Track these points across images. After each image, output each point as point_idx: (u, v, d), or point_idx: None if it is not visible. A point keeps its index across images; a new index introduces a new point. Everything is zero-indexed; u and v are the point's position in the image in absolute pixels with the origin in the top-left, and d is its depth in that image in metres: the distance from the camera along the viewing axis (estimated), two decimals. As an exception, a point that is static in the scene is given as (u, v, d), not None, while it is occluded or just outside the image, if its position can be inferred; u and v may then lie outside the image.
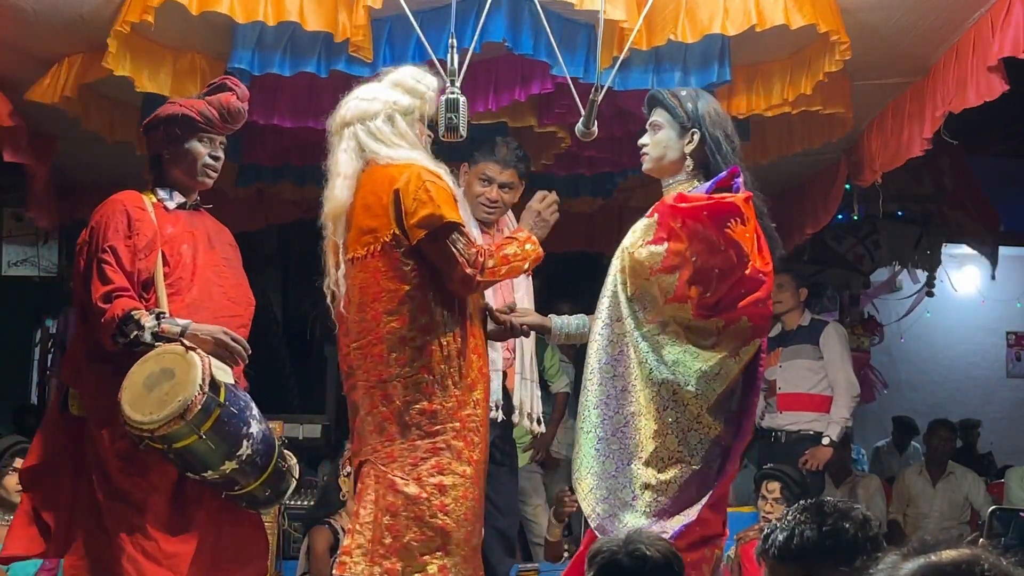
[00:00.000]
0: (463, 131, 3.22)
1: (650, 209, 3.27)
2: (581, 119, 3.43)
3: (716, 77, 4.10)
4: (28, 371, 7.53)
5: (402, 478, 3.18)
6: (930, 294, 7.87)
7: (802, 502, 2.40)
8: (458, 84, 3.25)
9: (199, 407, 2.97)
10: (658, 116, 3.29)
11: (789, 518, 2.33)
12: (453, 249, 3.14)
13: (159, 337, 3.08)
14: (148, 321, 3.09)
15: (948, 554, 1.36)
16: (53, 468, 3.31)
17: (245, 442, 3.11)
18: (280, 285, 8.19)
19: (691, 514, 3.08)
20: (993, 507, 5.42)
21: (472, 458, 3.22)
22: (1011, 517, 4.47)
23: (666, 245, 3.15)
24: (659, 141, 3.29)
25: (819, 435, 5.59)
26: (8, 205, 6.44)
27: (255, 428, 3.15)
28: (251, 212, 6.43)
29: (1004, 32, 3.59)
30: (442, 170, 3.26)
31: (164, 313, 3.13)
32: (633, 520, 3.09)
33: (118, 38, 3.81)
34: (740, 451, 3.16)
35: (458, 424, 3.21)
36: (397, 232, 3.17)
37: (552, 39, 3.67)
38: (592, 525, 3.18)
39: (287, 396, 7.63)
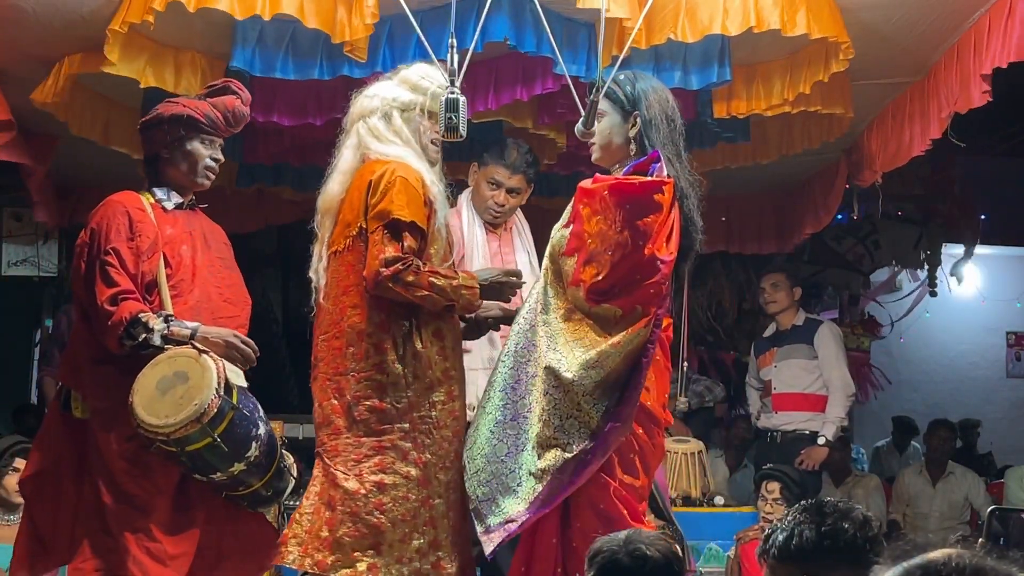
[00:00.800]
0: (463, 131, 3.22)
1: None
2: (581, 119, 3.43)
3: (716, 77, 4.10)
4: (28, 371, 7.52)
5: (343, 472, 3.19)
6: (933, 294, 7.86)
7: (803, 502, 2.40)
8: (458, 84, 3.25)
9: (215, 410, 2.98)
10: (600, 105, 3.28)
11: (789, 518, 2.33)
12: (382, 243, 3.15)
13: (168, 340, 3.09)
14: (157, 324, 3.08)
15: (921, 558, 1.36)
16: (54, 473, 3.30)
17: (254, 444, 3.12)
18: (280, 285, 8.18)
19: (524, 515, 3.05)
20: (993, 507, 5.42)
21: (420, 459, 3.21)
22: (1010, 517, 4.48)
23: (571, 228, 3.16)
24: (602, 129, 3.29)
25: (815, 435, 5.59)
26: (8, 205, 6.44)
27: (262, 429, 3.17)
28: (251, 212, 6.43)
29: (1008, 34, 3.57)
30: (424, 168, 3.27)
31: (171, 316, 3.14)
32: (511, 505, 3.08)
33: (116, 38, 3.80)
34: (613, 442, 3.07)
35: (407, 425, 3.20)
36: (363, 225, 3.22)
37: (552, 39, 3.67)
38: (471, 507, 3.18)
39: (287, 396, 7.60)
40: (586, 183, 3.19)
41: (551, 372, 3.06)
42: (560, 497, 3.07)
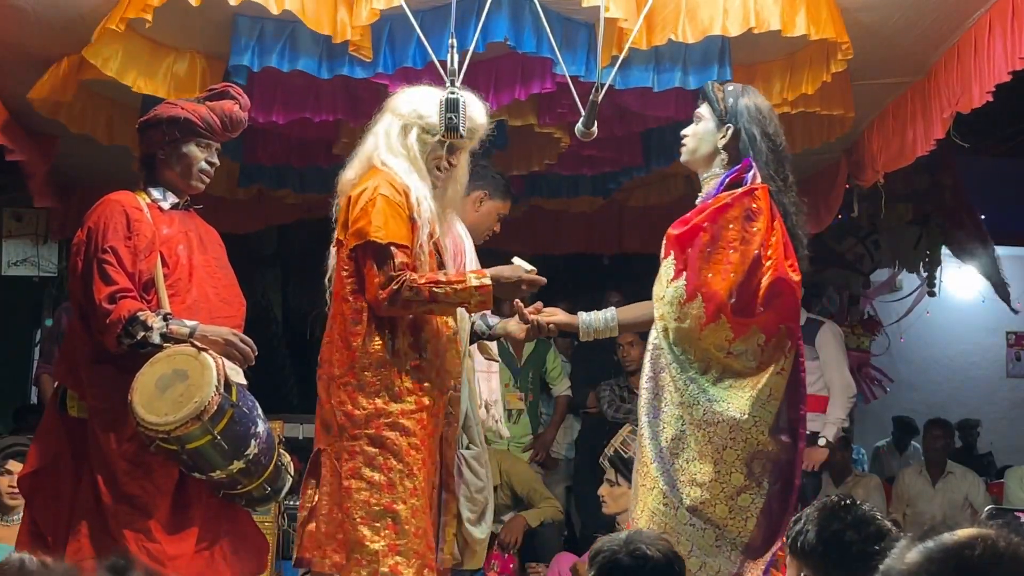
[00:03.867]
0: (463, 131, 3.23)
1: (663, 250, 3.30)
2: (581, 119, 3.43)
3: (716, 77, 4.09)
4: (29, 371, 7.51)
5: (341, 474, 3.26)
6: (931, 294, 7.85)
7: (831, 503, 2.43)
8: (458, 84, 3.25)
9: (215, 408, 2.99)
10: (702, 108, 3.37)
11: (813, 516, 2.37)
12: (374, 268, 3.21)
13: (167, 338, 3.09)
14: (155, 322, 3.09)
15: (949, 536, 1.34)
16: (53, 471, 3.29)
17: (253, 441, 3.13)
18: (280, 285, 8.19)
19: (774, 544, 3.10)
20: (991, 507, 5.41)
21: (386, 465, 3.23)
22: (1009, 517, 4.47)
23: (684, 275, 3.18)
24: (696, 133, 3.36)
25: (815, 435, 5.58)
26: (8, 205, 6.44)
27: (261, 427, 3.18)
28: (252, 213, 6.43)
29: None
30: (416, 184, 3.30)
31: (170, 314, 3.14)
32: (725, 565, 3.10)
33: (111, 37, 3.78)
34: (801, 462, 3.17)
35: (372, 431, 3.24)
36: (341, 237, 3.31)
37: (552, 39, 3.67)
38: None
39: (287, 396, 7.62)
40: (673, 231, 3.23)
41: (723, 425, 3.08)
42: (771, 536, 3.09)
